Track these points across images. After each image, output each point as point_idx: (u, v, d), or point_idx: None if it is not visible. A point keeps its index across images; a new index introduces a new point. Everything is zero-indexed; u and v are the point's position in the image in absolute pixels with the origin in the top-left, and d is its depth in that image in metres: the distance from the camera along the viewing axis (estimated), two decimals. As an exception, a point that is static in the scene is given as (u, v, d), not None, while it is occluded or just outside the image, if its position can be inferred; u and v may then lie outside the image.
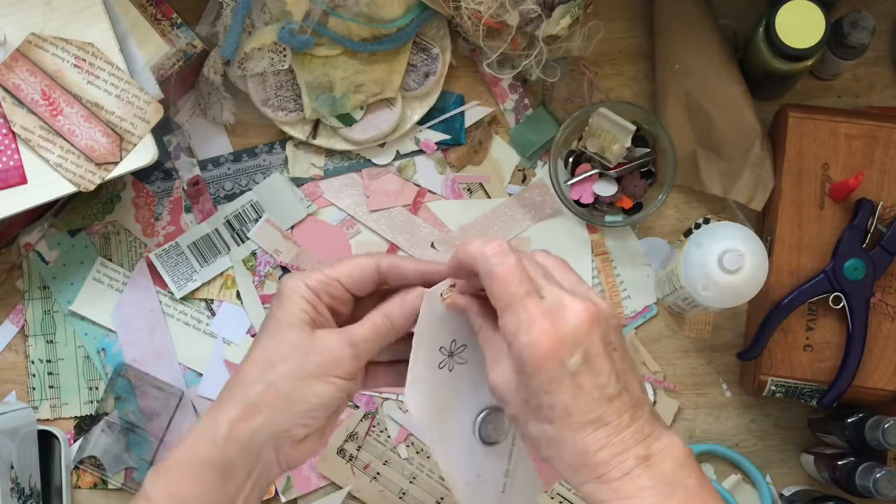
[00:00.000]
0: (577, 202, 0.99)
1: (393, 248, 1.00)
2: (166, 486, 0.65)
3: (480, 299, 0.67)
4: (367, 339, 0.67)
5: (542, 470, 0.73)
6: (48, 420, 0.99)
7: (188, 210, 1.01)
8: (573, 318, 0.60)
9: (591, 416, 0.60)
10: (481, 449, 0.70)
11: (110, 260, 1.00)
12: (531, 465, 0.72)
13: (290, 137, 1.01)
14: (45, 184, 0.89)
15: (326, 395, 0.66)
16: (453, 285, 0.68)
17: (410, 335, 0.68)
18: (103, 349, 1.00)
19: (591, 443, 0.60)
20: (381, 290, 0.71)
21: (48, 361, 1.00)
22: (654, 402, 0.99)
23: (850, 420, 0.91)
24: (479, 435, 0.70)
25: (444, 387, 0.68)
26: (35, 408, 0.99)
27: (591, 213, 0.99)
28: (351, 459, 0.98)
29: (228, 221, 1.00)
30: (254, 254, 1.00)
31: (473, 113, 1.02)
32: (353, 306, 0.71)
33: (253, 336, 1.00)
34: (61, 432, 0.97)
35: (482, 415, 0.70)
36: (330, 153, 1.01)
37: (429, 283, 0.69)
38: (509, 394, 0.63)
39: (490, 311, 0.64)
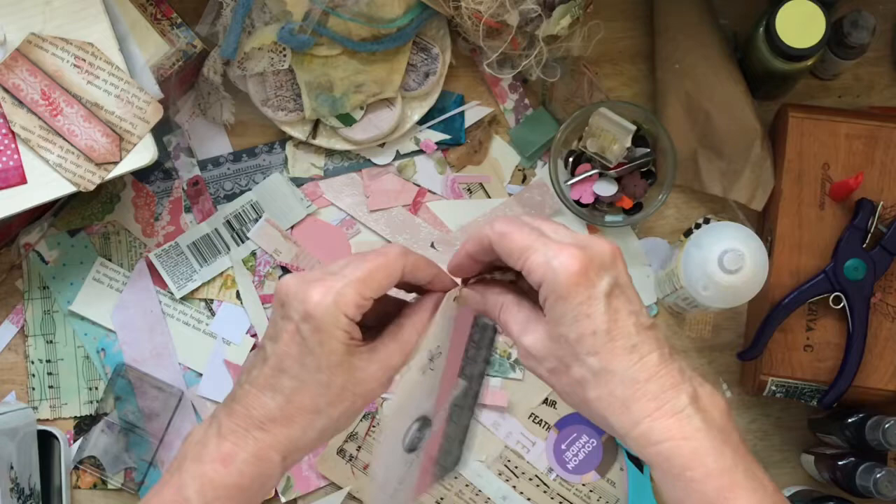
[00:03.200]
0: (577, 202, 0.99)
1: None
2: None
3: (491, 285, 0.66)
4: (404, 362, 0.66)
5: (422, 481, 0.74)
6: (48, 420, 0.99)
7: (188, 210, 1.01)
8: (598, 246, 0.60)
9: (632, 341, 0.59)
10: (400, 455, 0.70)
11: (110, 260, 1.00)
12: (416, 475, 0.73)
13: (290, 137, 1.01)
14: (44, 184, 0.89)
15: (351, 414, 0.65)
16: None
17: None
18: (103, 349, 1.00)
19: (640, 371, 0.59)
20: None
21: (48, 361, 1.00)
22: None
23: (850, 420, 0.91)
24: (407, 442, 0.70)
25: (410, 388, 0.68)
26: (35, 408, 0.99)
27: (591, 213, 0.99)
28: (351, 459, 0.98)
29: (228, 221, 1.00)
30: (254, 254, 1.00)
31: (473, 113, 1.02)
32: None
33: (253, 336, 1.00)
34: (61, 432, 0.97)
35: (417, 424, 0.70)
36: (330, 153, 1.01)
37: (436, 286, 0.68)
38: (544, 349, 0.61)
39: (505, 289, 0.65)
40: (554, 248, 0.59)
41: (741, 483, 0.58)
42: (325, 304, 0.61)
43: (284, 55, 0.96)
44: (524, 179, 1.01)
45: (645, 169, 0.98)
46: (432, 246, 1.00)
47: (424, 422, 0.70)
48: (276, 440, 0.63)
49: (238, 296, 1.00)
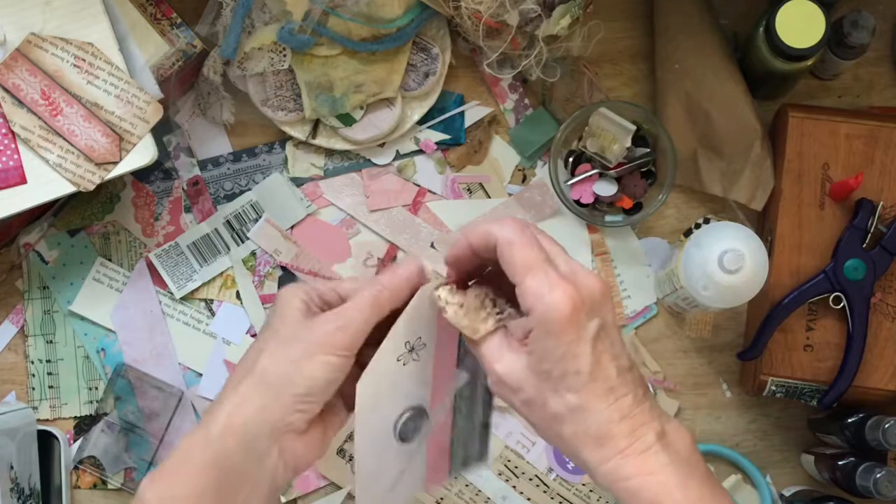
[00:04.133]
0: (577, 202, 0.99)
1: (393, 249, 1.00)
2: (162, 490, 0.64)
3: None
4: (356, 307, 0.65)
5: (433, 473, 0.73)
6: (48, 420, 0.99)
7: (188, 210, 1.01)
8: (591, 285, 0.61)
9: (610, 384, 0.61)
10: (394, 445, 0.70)
11: (110, 260, 1.00)
12: (423, 467, 0.73)
13: (290, 137, 1.01)
14: (44, 184, 0.89)
15: (318, 375, 0.64)
16: (447, 284, 0.67)
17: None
18: (103, 349, 1.00)
19: (614, 411, 0.61)
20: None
21: (48, 361, 1.00)
22: (654, 402, 0.99)
23: (850, 420, 0.91)
24: (398, 432, 0.70)
25: (391, 377, 0.68)
26: (35, 408, 0.99)
27: (591, 213, 0.99)
28: (351, 459, 0.98)
29: (228, 221, 1.00)
30: (253, 254, 1.00)
31: (473, 113, 1.01)
32: None
33: (253, 336, 1.00)
34: (61, 432, 0.97)
35: (408, 413, 0.70)
36: (330, 153, 1.01)
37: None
38: (521, 380, 0.62)
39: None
40: (553, 280, 0.60)
41: None
42: (288, 289, 0.68)
43: (284, 55, 0.96)
44: (524, 179, 1.01)
45: (645, 169, 0.98)
46: (432, 246, 1.00)
47: (418, 412, 0.70)
48: (221, 398, 0.65)
49: (238, 296, 1.00)
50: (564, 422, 0.61)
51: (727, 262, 0.85)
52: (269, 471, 0.65)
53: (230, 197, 1.01)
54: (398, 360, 0.68)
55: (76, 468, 0.98)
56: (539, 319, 0.60)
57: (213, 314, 1.00)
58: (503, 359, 0.63)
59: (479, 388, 0.73)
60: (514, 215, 1.00)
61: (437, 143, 1.01)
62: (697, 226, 0.97)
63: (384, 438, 0.70)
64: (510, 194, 1.01)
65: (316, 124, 1.00)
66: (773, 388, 0.94)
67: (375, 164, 1.01)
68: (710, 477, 0.63)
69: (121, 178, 0.94)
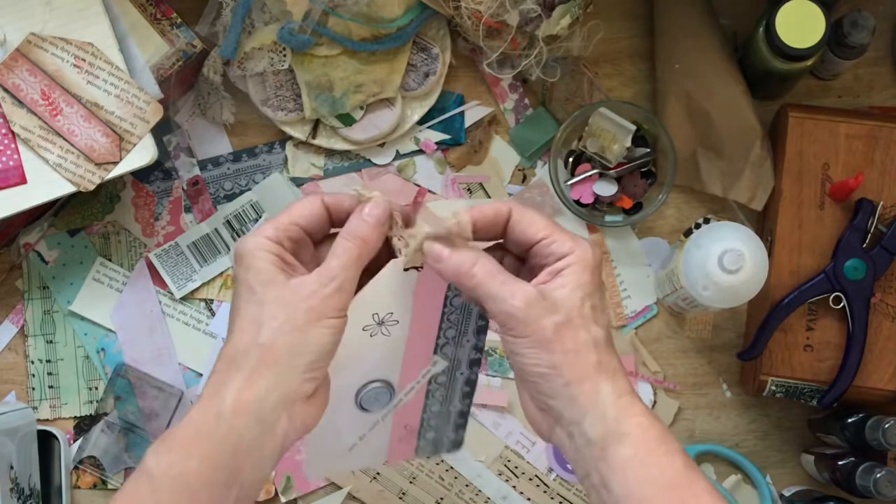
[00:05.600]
0: (577, 202, 0.99)
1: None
2: (171, 465, 0.62)
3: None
4: (345, 266, 0.64)
5: (396, 449, 0.74)
6: (48, 420, 0.99)
7: (188, 210, 1.01)
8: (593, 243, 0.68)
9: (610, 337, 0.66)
10: (352, 411, 0.71)
11: (110, 260, 1.00)
12: (386, 440, 0.74)
13: (290, 137, 1.01)
14: (44, 184, 0.89)
15: (326, 339, 0.63)
16: (419, 267, 0.67)
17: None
18: (103, 349, 1.00)
19: (618, 358, 0.65)
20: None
21: (48, 361, 1.00)
22: (655, 402, 0.99)
23: (850, 420, 0.91)
24: (360, 400, 0.70)
25: (356, 345, 0.68)
26: (35, 408, 0.99)
27: (591, 213, 0.99)
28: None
29: (228, 221, 1.00)
30: (254, 254, 1.00)
31: (473, 113, 1.02)
32: (313, 253, 0.69)
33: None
34: (61, 432, 0.97)
35: (374, 386, 0.70)
36: (330, 153, 1.01)
37: None
38: (562, 298, 0.63)
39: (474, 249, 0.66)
40: (577, 236, 0.66)
41: (697, 468, 0.64)
42: (246, 240, 0.65)
43: (284, 55, 0.96)
44: (524, 179, 1.01)
45: (645, 169, 0.98)
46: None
47: (385, 386, 0.70)
48: (227, 371, 0.63)
49: (238, 296, 1.00)
50: (595, 349, 0.64)
51: (727, 262, 0.85)
52: (279, 438, 0.64)
53: (230, 197, 1.01)
54: (364, 330, 0.68)
55: (76, 468, 0.98)
56: (580, 257, 0.64)
57: (213, 314, 1.00)
58: (531, 287, 0.64)
59: (459, 378, 0.73)
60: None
61: (437, 143, 1.01)
62: (697, 226, 0.97)
63: (343, 402, 0.70)
64: (510, 194, 1.01)
65: (316, 124, 1.00)
66: (773, 388, 0.94)
67: (375, 164, 1.01)
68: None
69: (121, 178, 0.94)
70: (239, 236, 1.00)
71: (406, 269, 0.67)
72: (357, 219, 0.66)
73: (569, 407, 0.64)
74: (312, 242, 0.68)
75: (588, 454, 0.63)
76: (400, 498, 0.98)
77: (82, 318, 1.00)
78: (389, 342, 0.69)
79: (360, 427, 0.72)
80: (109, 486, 0.98)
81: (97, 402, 0.99)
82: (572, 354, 0.63)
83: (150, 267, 1.00)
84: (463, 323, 0.70)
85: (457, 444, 0.77)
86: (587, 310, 0.64)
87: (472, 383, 0.74)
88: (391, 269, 0.66)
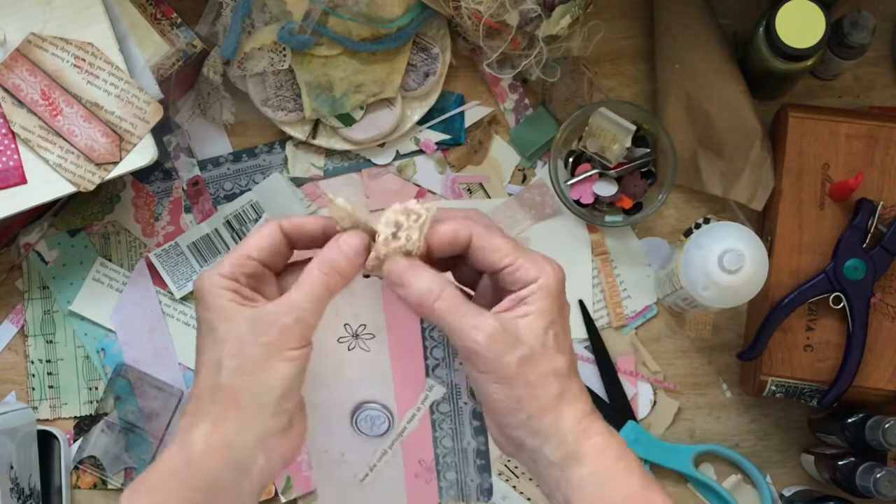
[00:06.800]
0: (577, 202, 0.99)
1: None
2: None
3: (419, 266, 0.65)
4: (308, 297, 0.62)
5: (415, 486, 0.74)
6: (48, 420, 0.99)
7: (188, 210, 1.01)
8: (556, 263, 0.67)
9: (574, 356, 0.67)
10: (353, 435, 0.70)
11: (110, 260, 1.00)
12: (401, 473, 0.73)
13: (290, 137, 1.01)
14: (44, 184, 0.89)
15: (289, 372, 0.62)
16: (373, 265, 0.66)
17: None
18: (103, 349, 1.00)
19: (580, 383, 0.66)
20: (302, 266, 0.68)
21: (48, 361, 1.00)
22: (655, 402, 0.99)
23: (850, 420, 0.91)
24: (356, 423, 0.70)
25: (333, 358, 0.67)
26: (35, 408, 0.99)
27: (591, 213, 0.99)
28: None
29: (228, 221, 1.00)
30: (254, 254, 1.00)
31: (473, 113, 1.02)
32: (276, 285, 0.67)
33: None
34: (61, 432, 0.97)
35: (369, 408, 0.70)
36: (330, 153, 1.01)
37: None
38: (525, 333, 0.63)
39: (437, 274, 0.65)
40: (542, 260, 0.65)
41: (656, 484, 0.66)
42: (204, 278, 0.64)
43: (284, 55, 0.96)
44: (524, 179, 1.01)
45: (645, 169, 0.98)
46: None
47: (381, 410, 0.70)
48: (193, 415, 0.62)
49: (238, 296, 1.00)
50: (557, 378, 0.64)
51: (727, 262, 0.85)
52: (255, 477, 0.63)
53: (230, 197, 1.01)
54: (339, 342, 0.67)
55: (76, 468, 0.98)
56: (543, 286, 0.64)
57: (213, 314, 1.00)
58: (494, 320, 0.63)
59: (465, 410, 0.73)
60: (514, 215, 1.00)
61: (437, 143, 1.01)
62: (697, 226, 0.97)
63: (337, 422, 0.70)
64: (510, 194, 1.01)
65: (316, 124, 1.00)
66: (773, 388, 0.94)
67: (375, 164, 1.01)
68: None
69: (121, 178, 0.94)
70: (239, 236, 1.00)
71: (366, 276, 0.65)
72: (333, 249, 0.64)
73: (531, 437, 0.64)
74: (274, 273, 0.67)
75: (550, 475, 0.64)
76: (400, 498, 0.98)
77: (82, 318, 1.00)
78: (370, 358, 0.69)
79: (367, 454, 0.72)
80: (109, 486, 0.98)
81: (97, 402, 0.99)
82: (535, 388, 0.63)
83: (150, 267, 1.00)
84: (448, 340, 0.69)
85: (485, 493, 0.76)
86: (550, 339, 0.63)
87: (480, 417, 0.74)
88: (358, 281, 0.65)
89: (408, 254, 0.63)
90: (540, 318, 0.63)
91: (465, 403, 0.73)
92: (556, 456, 0.63)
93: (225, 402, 0.61)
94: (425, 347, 0.70)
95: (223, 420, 0.61)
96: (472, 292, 0.70)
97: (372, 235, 0.65)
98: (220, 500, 0.62)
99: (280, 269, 0.68)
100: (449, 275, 0.71)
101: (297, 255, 0.69)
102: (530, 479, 0.98)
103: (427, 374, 0.71)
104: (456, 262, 0.70)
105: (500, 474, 0.98)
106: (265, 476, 0.63)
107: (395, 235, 0.63)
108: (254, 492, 0.63)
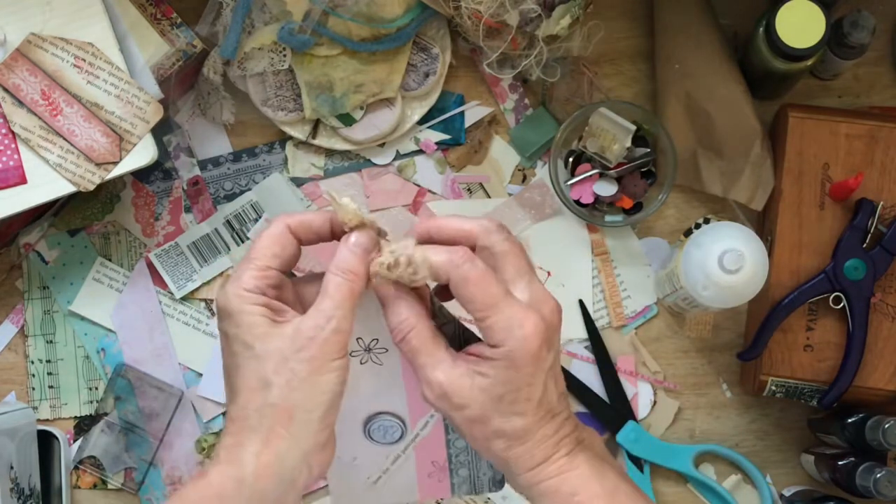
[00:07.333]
0: (577, 202, 0.99)
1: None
2: None
3: (403, 293, 0.65)
4: (339, 304, 0.62)
5: (427, 485, 0.74)
6: (48, 420, 0.99)
7: (188, 210, 1.01)
8: (552, 306, 0.64)
9: (551, 407, 0.64)
10: (365, 444, 0.70)
11: (110, 260, 1.00)
12: (413, 475, 0.73)
13: (290, 137, 1.01)
14: (44, 184, 0.89)
15: (334, 384, 0.62)
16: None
17: None
18: (103, 349, 1.00)
19: (549, 429, 0.64)
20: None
21: (48, 361, 1.00)
22: (655, 402, 0.99)
23: (850, 420, 0.91)
24: (368, 432, 0.70)
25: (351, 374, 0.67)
26: (35, 408, 0.99)
27: (591, 213, 0.99)
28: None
29: (228, 221, 1.00)
30: (254, 254, 1.00)
31: (473, 113, 1.01)
32: (290, 286, 0.67)
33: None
34: (61, 432, 0.97)
35: (383, 419, 0.70)
36: (330, 153, 1.01)
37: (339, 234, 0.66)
38: (469, 398, 0.63)
39: (419, 308, 0.64)
40: (518, 314, 0.62)
41: (624, 502, 0.65)
42: (228, 295, 0.63)
43: (284, 55, 0.96)
44: (524, 179, 1.01)
45: (645, 169, 0.98)
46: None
47: (394, 419, 0.70)
48: (240, 433, 0.62)
49: (238, 296, 1.00)
50: (503, 439, 0.64)
51: (727, 262, 0.85)
52: (300, 489, 0.64)
53: (230, 197, 1.01)
54: (352, 356, 0.67)
55: (76, 468, 0.98)
56: (506, 355, 0.62)
57: (213, 314, 1.00)
58: (449, 374, 0.63)
59: None
60: (514, 215, 1.00)
61: (437, 143, 1.01)
62: (697, 226, 0.97)
63: (350, 434, 0.69)
64: (510, 194, 1.01)
65: (316, 124, 1.00)
66: (773, 388, 0.94)
67: (375, 164, 1.01)
68: (624, 473, 0.68)
69: (121, 178, 0.94)
70: (239, 236, 1.00)
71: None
72: (346, 251, 0.64)
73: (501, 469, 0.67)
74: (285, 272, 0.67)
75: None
76: (400, 498, 0.98)
77: (82, 318, 1.00)
78: (384, 371, 0.69)
79: (381, 460, 0.71)
80: (109, 486, 0.98)
81: (97, 402, 0.99)
82: (481, 442, 0.64)
83: (150, 267, 1.00)
84: (457, 342, 0.69)
85: (497, 483, 0.76)
86: (505, 405, 0.63)
87: None
88: (365, 295, 0.65)
89: (396, 281, 0.64)
90: (493, 385, 0.62)
91: None
92: (521, 490, 0.66)
93: (276, 419, 0.62)
94: None
95: (274, 438, 0.62)
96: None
97: (378, 232, 0.65)
98: None
99: (291, 268, 0.68)
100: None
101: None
102: (530, 479, 0.98)
103: None
104: None
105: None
106: (306, 488, 0.65)
107: (389, 268, 0.63)
108: (300, 498, 0.64)
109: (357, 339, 0.68)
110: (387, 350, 0.69)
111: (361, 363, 0.68)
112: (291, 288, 0.67)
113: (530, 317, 0.62)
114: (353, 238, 0.65)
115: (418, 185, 1.01)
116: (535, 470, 0.64)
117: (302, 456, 0.62)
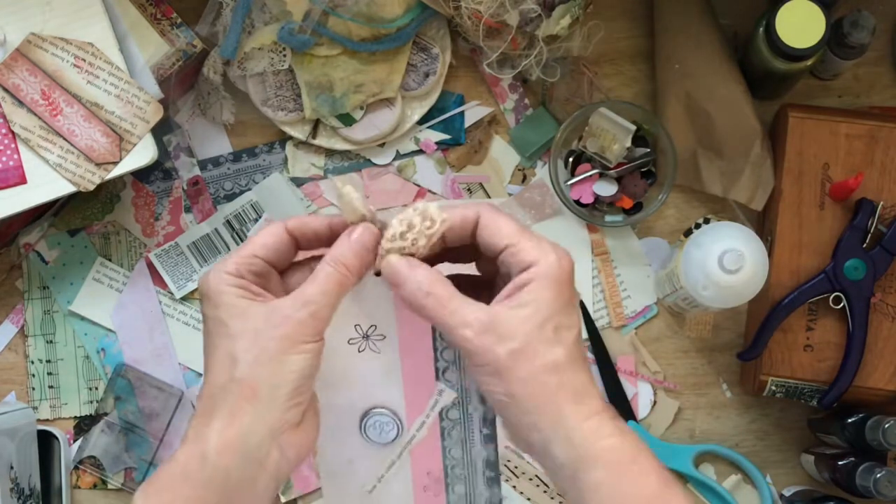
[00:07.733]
0: (577, 202, 0.99)
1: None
2: None
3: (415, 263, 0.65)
4: (322, 292, 0.63)
5: (423, 500, 0.73)
6: (48, 420, 0.99)
7: (188, 210, 1.01)
8: (564, 252, 0.64)
9: (583, 350, 0.64)
10: (362, 442, 0.70)
11: (110, 260, 1.00)
12: (409, 487, 0.72)
13: (290, 137, 1.01)
14: (44, 184, 0.89)
15: (304, 364, 0.62)
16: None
17: None
18: (103, 349, 1.00)
19: (588, 373, 0.63)
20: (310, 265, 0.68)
21: (48, 361, 1.00)
22: (655, 402, 0.99)
23: (850, 420, 0.91)
24: (364, 429, 0.70)
25: (342, 360, 0.67)
26: (35, 408, 0.99)
27: (591, 213, 0.99)
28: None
29: (228, 221, 1.00)
30: (254, 254, 1.00)
31: (473, 113, 1.02)
32: (280, 283, 0.67)
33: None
34: (61, 432, 0.97)
35: (377, 413, 0.69)
36: (330, 153, 1.01)
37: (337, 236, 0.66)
38: (513, 327, 0.61)
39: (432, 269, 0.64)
40: (545, 242, 0.63)
41: (675, 482, 0.63)
42: (209, 277, 0.64)
43: (284, 55, 0.96)
44: (524, 179, 1.01)
45: (645, 169, 0.98)
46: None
47: (390, 415, 0.70)
48: (207, 411, 0.62)
49: (238, 296, 1.00)
50: (554, 372, 0.61)
51: (727, 262, 0.85)
52: (271, 471, 0.63)
53: (230, 197, 1.01)
54: (350, 343, 0.67)
55: (76, 468, 0.98)
56: (543, 273, 0.62)
57: (213, 314, 1.00)
58: (488, 310, 0.62)
59: (474, 416, 0.72)
60: (514, 215, 1.00)
61: (437, 143, 1.01)
62: (697, 226, 0.97)
63: (346, 427, 0.69)
64: (510, 194, 1.01)
65: (316, 124, 1.00)
66: (773, 388, 0.94)
67: (375, 164, 1.01)
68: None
69: (121, 178, 0.94)
70: (239, 236, 1.00)
71: (378, 275, 0.65)
72: (344, 244, 0.64)
73: (532, 433, 0.62)
74: (279, 272, 0.67)
75: (562, 475, 0.62)
76: (400, 498, 0.98)
77: (82, 318, 1.00)
78: (382, 361, 0.68)
79: (376, 465, 0.71)
80: (109, 486, 0.98)
81: (97, 402, 0.99)
82: (529, 382, 0.61)
83: (150, 267, 1.00)
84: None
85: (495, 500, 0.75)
86: (547, 332, 0.61)
87: (490, 424, 0.73)
88: (367, 279, 0.65)
89: (409, 255, 0.63)
90: (537, 310, 0.61)
91: (475, 409, 0.72)
92: (566, 457, 0.61)
93: (240, 394, 0.62)
94: (435, 350, 0.70)
95: (238, 413, 0.61)
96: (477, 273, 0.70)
97: (381, 228, 0.65)
98: (236, 496, 0.61)
99: (285, 269, 0.68)
100: (467, 267, 0.70)
101: (302, 254, 0.69)
102: (530, 480, 0.98)
103: (437, 378, 0.70)
104: (477, 255, 0.69)
105: (500, 474, 0.98)
106: (280, 471, 0.63)
107: (402, 235, 0.63)
108: (269, 487, 0.63)
109: (355, 325, 0.67)
110: (384, 337, 0.68)
111: (359, 351, 0.68)
112: (279, 281, 0.67)
113: (556, 246, 0.63)
114: (356, 234, 0.65)
115: (418, 185, 1.01)
116: (593, 422, 0.61)
117: (268, 433, 0.62)
